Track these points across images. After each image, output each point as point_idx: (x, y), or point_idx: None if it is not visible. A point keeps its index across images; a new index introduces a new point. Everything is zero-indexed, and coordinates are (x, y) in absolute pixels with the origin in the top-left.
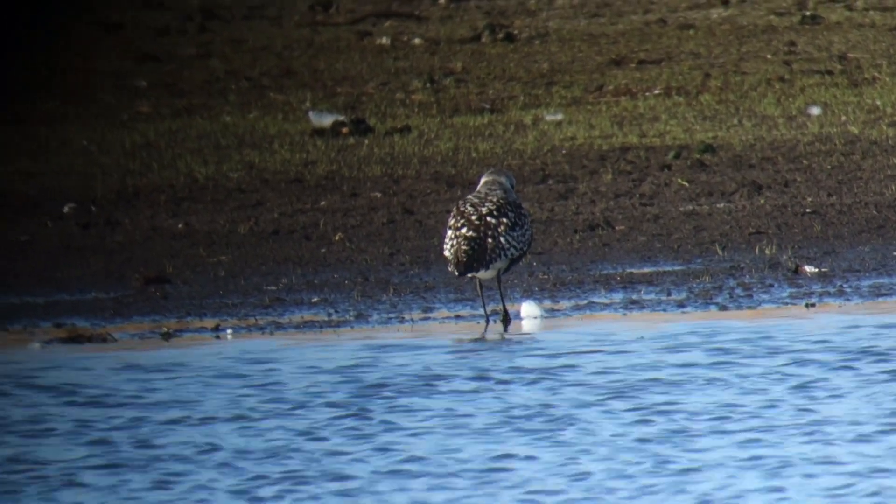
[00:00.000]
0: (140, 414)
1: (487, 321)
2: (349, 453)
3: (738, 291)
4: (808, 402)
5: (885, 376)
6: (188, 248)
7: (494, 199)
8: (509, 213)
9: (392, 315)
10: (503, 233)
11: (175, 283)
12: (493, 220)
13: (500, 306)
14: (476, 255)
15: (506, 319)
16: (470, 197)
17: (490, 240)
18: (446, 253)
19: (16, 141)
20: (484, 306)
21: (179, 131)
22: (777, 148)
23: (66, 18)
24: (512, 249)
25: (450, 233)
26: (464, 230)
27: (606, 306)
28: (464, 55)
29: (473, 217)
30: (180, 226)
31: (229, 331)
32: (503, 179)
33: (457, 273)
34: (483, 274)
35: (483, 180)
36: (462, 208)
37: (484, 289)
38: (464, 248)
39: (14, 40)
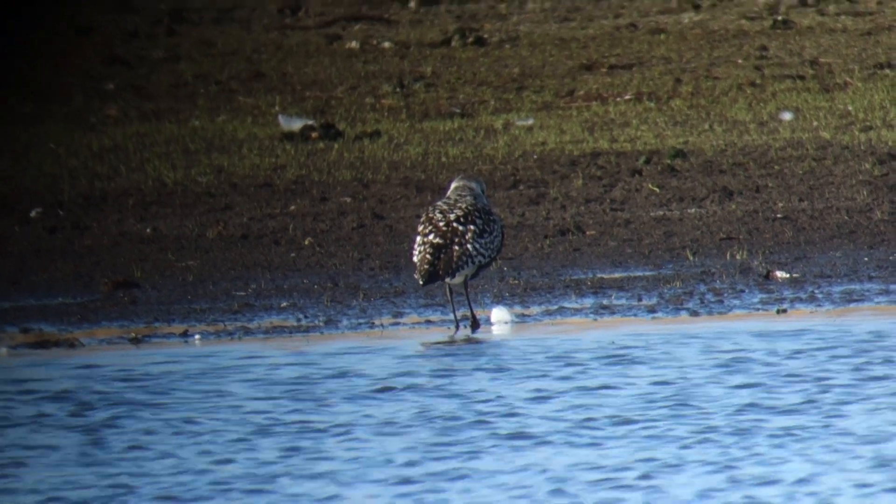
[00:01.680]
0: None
1: (457, 327)
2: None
3: (709, 297)
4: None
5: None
6: (156, 252)
7: (463, 206)
8: (477, 220)
9: (362, 321)
10: (470, 240)
11: (143, 288)
12: (461, 227)
13: (469, 311)
14: (441, 262)
15: (475, 324)
16: (439, 203)
17: (457, 247)
18: (414, 259)
19: None
20: (454, 311)
21: (148, 135)
22: (748, 153)
23: (37, 20)
24: (480, 256)
25: (418, 239)
26: (431, 237)
27: (577, 311)
28: (434, 59)
29: (441, 224)
30: (148, 230)
31: (198, 336)
32: (473, 185)
33: (421, 282)
34: (451, 281)
35: (453, 186)
36: (431, 214)
37: (454, 294)
38: (428, 256)
39: None
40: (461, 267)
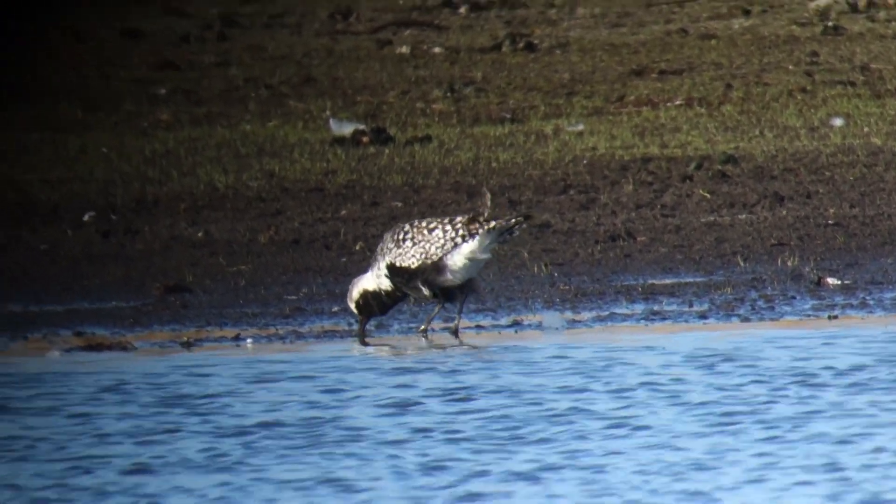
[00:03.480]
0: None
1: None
2: None
3: (761, 303)
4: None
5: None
6: (208, 256)
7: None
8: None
9: (412, 325)
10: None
11: (195, 292)
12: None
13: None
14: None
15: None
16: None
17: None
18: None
19: (37, 148)
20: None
21: (199, 139)
22: (799, 159)
23: (88, 25)
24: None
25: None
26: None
27: (628, 317)
28: (484, 64)
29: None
30: (200, 234)
31: (249, 340)
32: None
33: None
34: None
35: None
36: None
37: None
38: None
39: (36, 47)
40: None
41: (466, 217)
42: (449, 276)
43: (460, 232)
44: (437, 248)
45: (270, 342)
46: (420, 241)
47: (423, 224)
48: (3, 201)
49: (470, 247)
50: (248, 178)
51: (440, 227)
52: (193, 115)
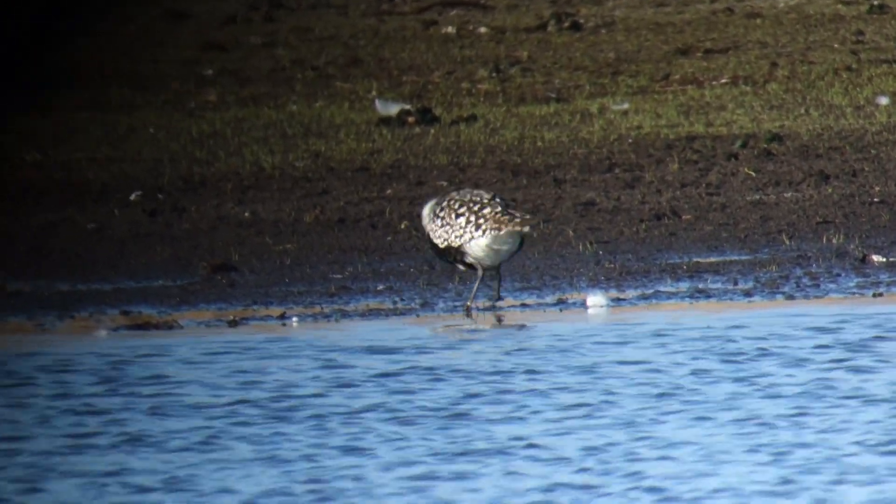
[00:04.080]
0: None
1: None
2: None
3: (805, 281)
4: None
5: None
6: (254, 236)
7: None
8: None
9: (457, 303)
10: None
11: (241, 271)
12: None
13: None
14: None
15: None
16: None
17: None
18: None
19: (85, 128)
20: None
21: (245, 120)
22: (845, 137)
23: (136, 6)
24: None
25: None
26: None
27: (672, 295)
28: (530, 44)
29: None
30: (246, 214)
31: (295, 319)
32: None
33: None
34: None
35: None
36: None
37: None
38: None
39: (85, 28)
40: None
41: (495, 211)
42: (471, 259)
43: (482, 226)
44: (455, 235)
45: (316, 321)
46: (446, 224)
47: (457, 205)
48: (52, 181)
49: (486, 241)
50: (294, 158)
51: (466, 214)
52: (240, 96)
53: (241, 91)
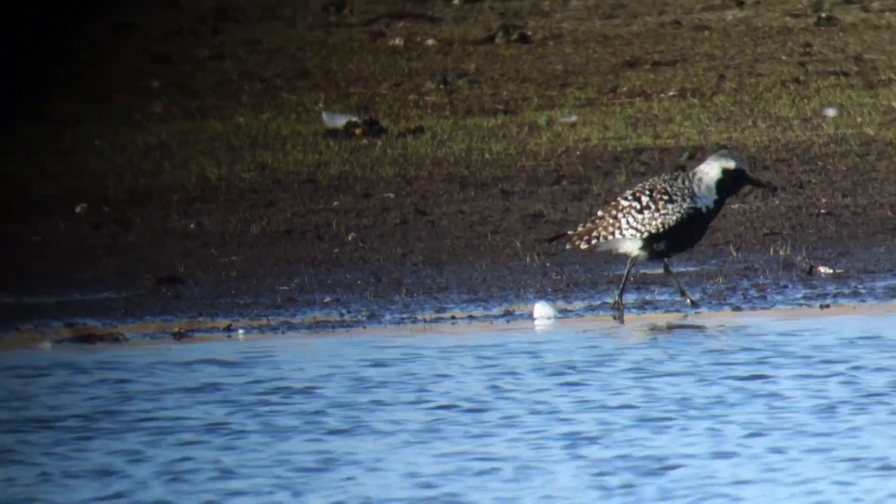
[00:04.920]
0: None
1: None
2: None
3: (752, 292)
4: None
5: None
6: (200, 248)
7: (648, 183)
8: (643, 197)
9: (405, 315)
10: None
11: (187, 283)
12: (624, 202)
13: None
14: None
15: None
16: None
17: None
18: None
19: (31, 141)
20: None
21: (192, 132)
22: (792, 149)
23: (82, 18)
24: (631, 230)
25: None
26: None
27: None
28: (477, 56)
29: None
30: (192, 226)
31: (241, 331)
32: (702, 166)
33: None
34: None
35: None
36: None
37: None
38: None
39: (32, 40)
40: (599, 239)
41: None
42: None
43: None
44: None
45: (262, 333)
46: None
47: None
48: None
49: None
50: (240, 170)
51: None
52: (186, 108)
53: (187, 103)
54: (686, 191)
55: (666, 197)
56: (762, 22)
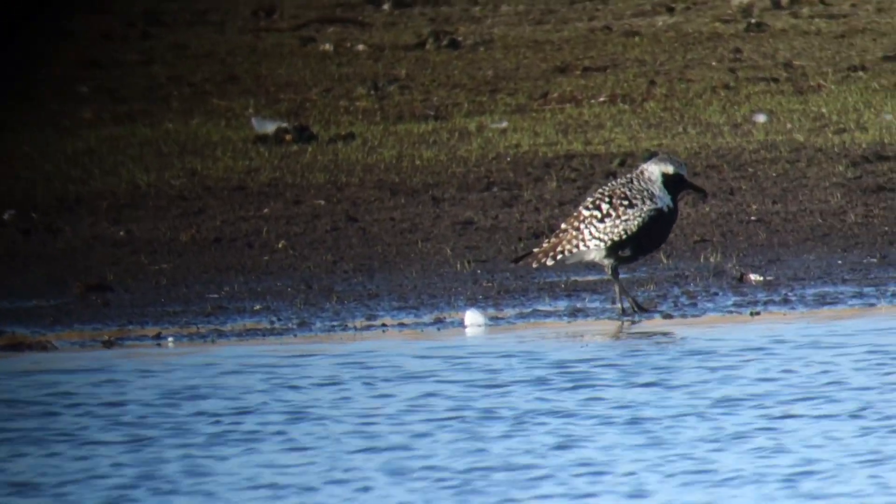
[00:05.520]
0: None
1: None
2: None
3: (683, 300)
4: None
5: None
6: (129, 255)
7: (606, 189)
8: (603, 205)
9: (335, 323)
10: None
11: (116, 291)
12: (585, 212)
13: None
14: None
15: (632, 310)
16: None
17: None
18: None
19: None
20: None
21: (121, 138)
22: (722, 155)
23: (11, 23)
24: (596, 241)
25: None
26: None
27: (551, 314)
28: (408, 62)
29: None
30: (122, 233)
31: (170, 339)
32: (647, 165)
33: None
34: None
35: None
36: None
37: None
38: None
39: None
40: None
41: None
42: None
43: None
44: None
45: (192, 341)
46: None
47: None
48: None
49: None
50: (170, 176)
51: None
52: (116, 114)
53: (116, 108)
54: (645, 192)
55: (626, 202)
56: (692, 28)
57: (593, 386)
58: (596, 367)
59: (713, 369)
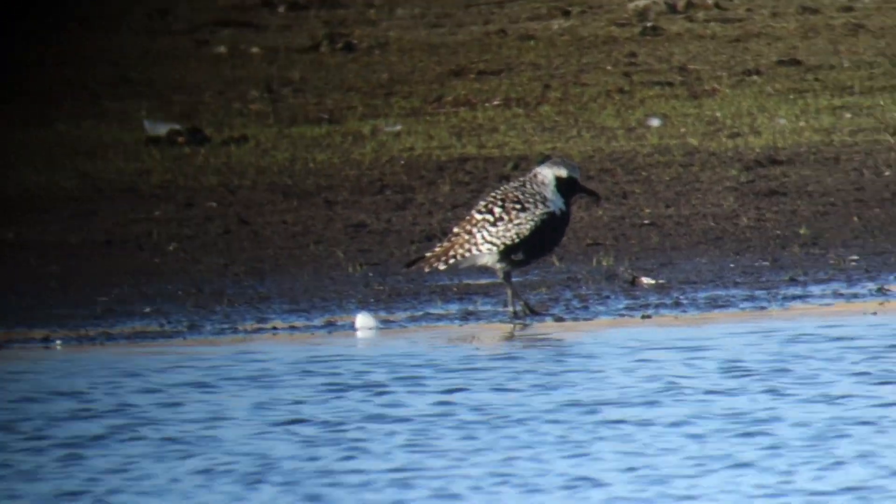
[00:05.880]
0: None
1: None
2: None
3: (575, 303)
4: None
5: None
6: (18, 257)
7: (498, 192)
8: (495, 208)
9: (225, 326)
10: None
11: (4, 293)
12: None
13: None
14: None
15: (524, 313)
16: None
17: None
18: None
19: None
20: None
21: (12, 139)
22: (616, 159)
23: None
24: (488, 245)
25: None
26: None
27: (443, 317)
28: (302, 65)
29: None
30: (10, 235)
31: (59, 342)
32: (540, 169)
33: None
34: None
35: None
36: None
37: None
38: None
39: None
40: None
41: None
42: None
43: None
44: None
45: (81, 344)
46: None
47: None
48: None
49: None
50: (61, 178)
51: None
52: (6, 115)
53: (7, 109)
54: (538, 196)
55: (518, 206)
56: (587, 31)
57: (456, 390)
58: (468, 369)
59: (586, 372)
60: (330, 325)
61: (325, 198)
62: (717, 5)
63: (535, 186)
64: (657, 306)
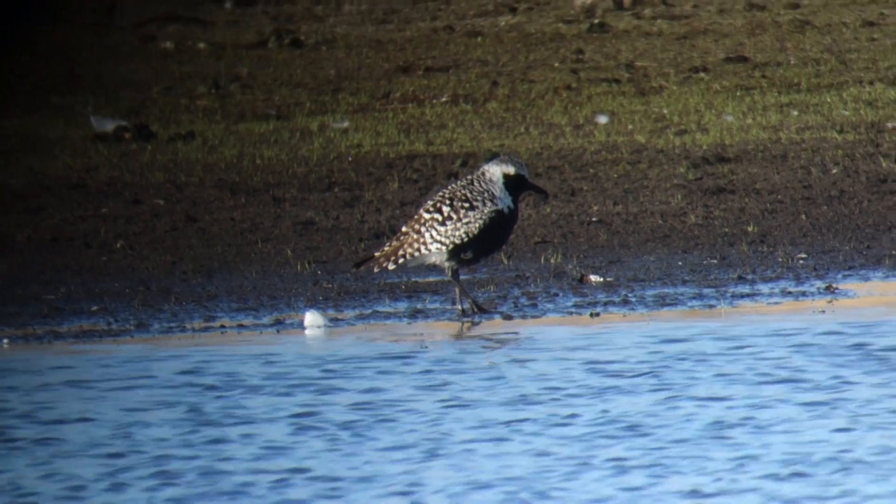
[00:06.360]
0: None
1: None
2: None
3: (523, 301)
4: None
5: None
6: None
7: (446, 191)
8: (444, 207)
9: (173, 324)
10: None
11: None
12: (426, 215)
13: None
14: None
15: (472, 311)
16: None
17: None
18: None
19: None
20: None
21: None
22: (564, 156)
23: None
24: (437, 244)
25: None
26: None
27: (391, 315)
28: (250, 61)
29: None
30: None
31: (6, 341)
32: (487, 166)
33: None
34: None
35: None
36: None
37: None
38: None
39: None
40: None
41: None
42: None
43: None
44: None
45: (28, 342)
46: None
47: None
48: None
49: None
50: (7, 174)
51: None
52: None
53: None
54: (486, 194)
55: (467, 205)
56: (535, 28)
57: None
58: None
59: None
60: (278, 324)
61: (272, 195)
62: (663, 2)
63: (482, 184)
64: (605, 304)
